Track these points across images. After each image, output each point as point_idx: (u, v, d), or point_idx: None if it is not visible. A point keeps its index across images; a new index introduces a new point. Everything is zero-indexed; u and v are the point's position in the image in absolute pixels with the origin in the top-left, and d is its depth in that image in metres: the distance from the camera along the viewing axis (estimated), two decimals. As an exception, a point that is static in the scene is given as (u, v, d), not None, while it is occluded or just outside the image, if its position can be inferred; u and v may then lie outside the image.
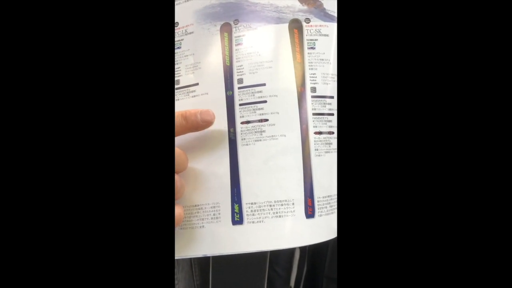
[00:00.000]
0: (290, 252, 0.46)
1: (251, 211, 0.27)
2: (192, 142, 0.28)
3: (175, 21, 0.30)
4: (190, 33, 0.30)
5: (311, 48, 0.28)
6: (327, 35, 0.29)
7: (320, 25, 0.29)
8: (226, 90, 0.28)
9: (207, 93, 0.29)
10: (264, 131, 0.27)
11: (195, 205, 0.28)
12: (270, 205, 0.27)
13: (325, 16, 0.29)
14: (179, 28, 0.30)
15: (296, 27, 0.28)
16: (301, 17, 0.28)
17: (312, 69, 0.28)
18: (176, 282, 0.42)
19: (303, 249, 0.47)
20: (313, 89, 0.28)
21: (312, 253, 0.47)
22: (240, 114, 0.28)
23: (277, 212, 0.27)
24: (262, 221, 0.27)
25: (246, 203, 0.27)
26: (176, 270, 0.43)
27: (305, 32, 0.28)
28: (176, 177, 0.26)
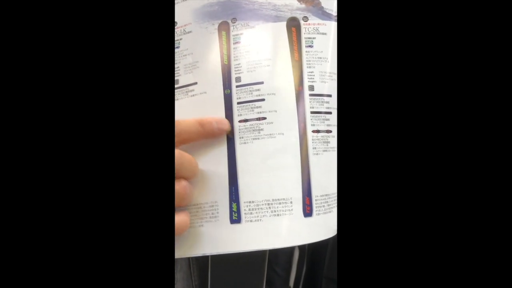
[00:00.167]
0: (289, 252, 0.46)
1: (249, 209, 0.27)
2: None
3: (175, 20, 0.30)
4: (189, 32, 0.30)
5: (309, 46, 0.28)
6: (325, 34, 0.28)
7: (318, 24, 0.28)
8: (224, 88, 0.28)
9: (206, 92, 0.29)
10: (262, 129, 0.27)
11: (194, 205, 0.28)
12: (268, 204, 0.27)
13: (323, 14, 0.29)
14: (178, 28, 0.30)
15: (294, 25, 0.28)
16: (299, 15, 0.28)
17: (310, 67, 0.28)
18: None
19: (302, 248, 0.47)
20: (311, 88, 0.28)
21: (311, 253, 0.47)
22: (238, 113, 0.28)
23: (275, 211, 0.26)
24: (260, 219, 0.26)
25: (244, 202, 0.27)
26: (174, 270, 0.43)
27: (303, 31, 0.28)
28: (185, 183, 0.26)
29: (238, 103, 0.28)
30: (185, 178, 0.26)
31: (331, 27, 0.29)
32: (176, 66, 0.30)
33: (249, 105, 0.28)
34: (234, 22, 0.29)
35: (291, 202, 0.27)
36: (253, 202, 0.27)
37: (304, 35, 0.28)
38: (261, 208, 0.27)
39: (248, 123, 0.27)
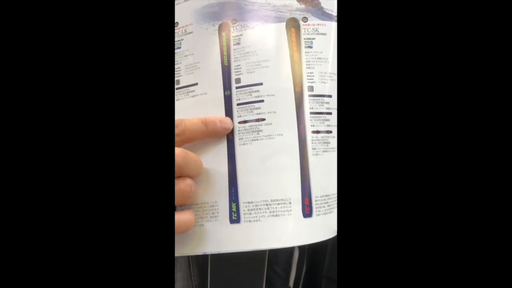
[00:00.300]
0: (289, 252, 0.46)
1: (248, 210, 0.27)
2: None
3: (176, 21, 0.30)
4: (190, 33, 0.30)
5: (309, 47, 0.28)
6: (325, 34, 0.29)
7: (318, 24, 0.29)
8: (224, 90, 0.28)
9: (206, 93, 0.29)
10: (261, 130, 0.27)
11: (195, 204, 0.28)
12: (267, 204, 0.27)
13: (323, 15, 0.29)
14: (178, 28, 0.30)
15: (293, 26, 0.28)
16: (298, 16, 0.28)
17: (309, 68, 0.28)
18: (174, 281, 0.42)
19: (302, 249, 0.47)
20: (311, 88, 0.28)
21: (311, 253, 0.47)
22: (238, 114, 0.28)
23: (273, 211, 0.27)
24: (259, 220, 0.27)
25: (244, 202, 0.27)
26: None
27: (302, 31, 0.28)
28: (190, 181, 0.26)
29: (238, 104, 0.28)
30: (190, 177, 0.26)
31: (331, 28, 0.29)
32: (177, 66, 0.30)
33: (249, 106, 0.28)
34: (234, 23, 0.29)
35: (290, 203, 0.27)
36: (252, 202, 0.27)
37: (303, 35, 0.28)
38: (260, 209, 0.27)
39: (247, 124, 0.28)
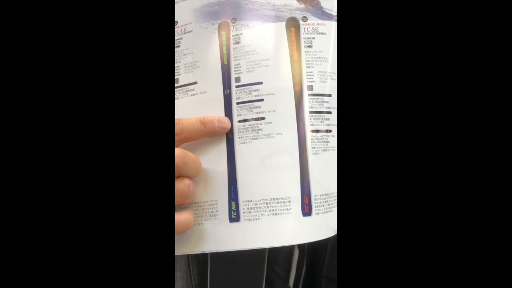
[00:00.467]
0: (289, 251, 0.46)
1: (248, 208, 0.27)
2: (191, 142, 0.28)
3: (175, 19, 0.31)
4: (189, 31, 0.30)
5: (308, 46, 0.28)
6: (325, 34, 0.29)
7: (318, 24, 0.29)
8: (224, 88, 0.28)
9: (206, 92, 0.29)
10: (261, 129, 0.27)
11: (194, 203, 0.28)
12: (266, 203, 0.27)
13: (322, 14, 0.29)
14: (178, 27, 0.30)
15: (293, 25, 0.28)
16: (298, 15, 0.29)
17: (309, 67, 0.28)
18: (174, 281, 0.42)
19: (302, 248, 0.47)
20: (310, 87, 0.28)
21: (311, 252, 0.47)
22: (238, 113, 0.28)
23: (273, 210, 0.27)
24: (258, 218, 0.27)
25: (243, 201, 0.27)
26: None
27: (302, 31, 0.28)
28: (189, 182, 0.26)
29: (238, 103, 0.28)
30: (189, 177, 0.26)
31: (331, 27, 0.29)
32: (176, 65, 0.30)
33: (248, 105, 0.28)
34: (234, 22, 0.29)
35: (289, 202, 0.27)
36: (251, 201, 0.27)
37: (303, 35, 0.28)
38: (260, 207, 0.27)
39: (247, 123, 0.28)
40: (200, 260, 0.44)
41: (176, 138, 0.27)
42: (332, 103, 0.28)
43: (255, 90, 0.28)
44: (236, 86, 0.28)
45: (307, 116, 0.28)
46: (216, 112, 0.28)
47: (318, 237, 0.27)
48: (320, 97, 0.28)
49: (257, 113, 0.28)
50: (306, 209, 0.27)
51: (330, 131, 0.28)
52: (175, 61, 0.30)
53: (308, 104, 0.28)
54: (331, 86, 0.28)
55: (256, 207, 0.27)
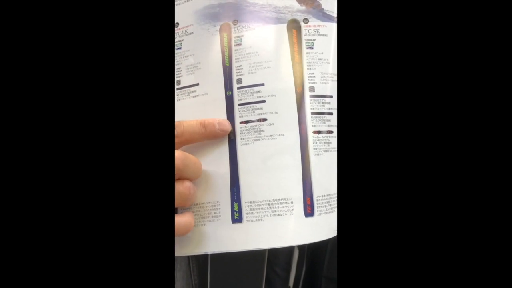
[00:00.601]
0: (289, 252, 0.46)
1: (250, 209, 0.27)
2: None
3: (176, 21, 0.31)
4: (190, 33, 0.30)
5: (310, 48, 0.28)
6: (326, 35, 0.29)
7: (319, 25, 0.29)
8: (226, 90, 0.29)
9: (207, 93, 0.29)
10: (262, 130, 0.27)
11: (197, 204, 0.28)
12: (269, 204, 0.27)
13: (323, 16, 0.29)
14: (179, 29, 0.30)
15: (294, 27, 0.29)
16: (299, 17, 0.29)
17: (310, 68, 0.28)
18: (174, 282, 0.42)
19: (302, 249, 0.47)
20: (312, 89, 0.28)
21: (311, 252, 0.47)
22: (239, 114, 0.28)
23: (275, 211, 0.27)
24: (261, 219, 0.27)
25: (245, 202, 0.27)
26: (174, 270, 0.43)
27: (303, 32, 0.29)
28: (189, 184, 0.26)
29: (239, 104, 0.28)
30: (189, 179, 0.26)
31: (332, 29, 0.29)
32: (178, 67, 0.30)
33: (250, 106, 0.28)
34: (236, 24, 0.29)
35: (291, 202, 0.27)
36: (254, 202, 0.27)
37: (304, 37, 0.28)
38: (262, 208, 0.27)
39: (249, 125, 0.28)
40: (200, 260, 0.44)
41: (177, 140, 0.27)
42: (333, 104, 0.29)
43: (256, 92, 0.28)
44: (238, 88, 0.28)
45: (308, 117, 0.28)
46: (218, 114, 0.28)
47: (320, 237, 0.28)
48: (321, 98, 0.28)
49: (259, 114, 0.28)
50: (308, 210, 0.27)
51: (332, 132, 0.28)
52: (177, 63, 0.30)
53: (309, 105, 0.28)
54: (332, 87, 0.29)
55: (259, 208, 0.27)
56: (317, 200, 0.27)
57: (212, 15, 0.29)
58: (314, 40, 0.29)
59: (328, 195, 0.28)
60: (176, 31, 0.31)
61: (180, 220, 0.25)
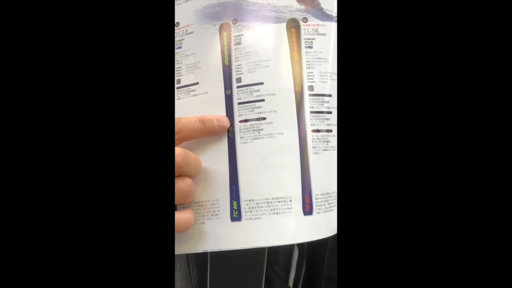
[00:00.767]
0: (288, 251, 0.46)
1: (249, 208, 0.27)
2: (193, 141, 0.28)
3: (177, 21, 0.31)
4: (190, 33, 0.30)
5: (309, 47, 0.29)
6: (325, 34, 0.29)
7: (318, 25, 0.29)
8: (225, 89, 0.29)
9: (207, 92, 0.29)
10: (262, 129, 0.28)
11: (196, 202, 0.28)
12: (268, 202, 0.27)
13: (322, 15, 0.29)
14: (179, 28, 0.31)
15: (293, 26, 0.29)
16: (298, 16, 0.29)
17: (309, 68, 0.28)
18: (174, 281, 0.42)
19: (301, 248, 0.47)
20: (311, 88, 0.28)
21: (310, 252, 0.47)
22: (239, 113, 0.28)
23: (274, 209, 0.27)
24: (260, 218, 0.27)
25: (244, 200, 0.27)
26: (174, 269, 0.43)
27: (302, 32, 0.29)
28: (189, 181, 0.26)
29: (239, 103, 0.28)
30: (189, 176, 0.26)
31: (331, 28, 0.29)
32: (178, 66, 0.30)
33: (249, 105, 0.28)
34: (235, 23, 0.29)
35: (290, 201, 0.27)
36: (253, 200, 0.27)
37: (303, 36, 0.29)
38: (261, 207, 0.27)
39: (248, 123, 0.28)
40: (200, 260, 0.44)
41: (176, 137, 0.27)
42: (332, 103, 0.29)
43: (256, 91, 0.28)
44: (237, 87, 0.28)
45: (307, 116, 0.28)
46: (217, 112, 0.28)
47: (319, 236, 0.28)
48: (320, 97, 0.28)
49: (258, 113, 0.28)
50: (307, 208, 0.27)
51: (331, 130, 0.28)
52: (177, 62, 0.30)
53: (308, 104, 0.28)
54: (331, 86, 0.29)
55: (258, 207, 0.27)
56: (316, 198, 0.27)
57: (212, 15, 0.30)
58: (313, 39, 0.29)
59: (327, 193, 0.28)
60: (177, 30, 0.31)
61: (181, 216, 0.26)
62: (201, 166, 0.28)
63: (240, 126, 0.28)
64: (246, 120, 0.28)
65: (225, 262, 0.44)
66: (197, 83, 0.29)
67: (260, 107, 0.28)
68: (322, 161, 0.28)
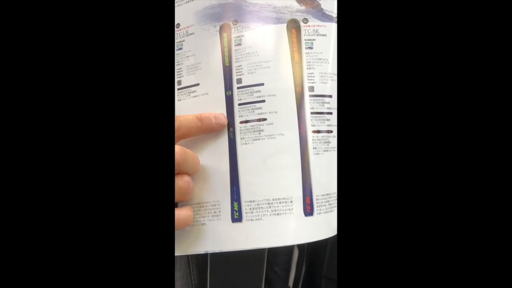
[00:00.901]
0: (288, 252, 0.46)
1: (250, 209, 0.27)
2: (193, 141, 0.28)
3: (177, 22, 0.31)
4: (191, 34, 0.30)
5: (309, 48, 0.29)
6: (325, 35, 0.29)
7: (318, 25, 0.29)
8: (226, 90, 0.29)
9: (207, 93, 0.29)
10: (262, 130, 0.28)
11: (197, 203, 0.28)
12: (268, 203, 0.27)
13: (323, 16, 0.29)
14: (180, 29, 0.31)
15: (294, 27, 0.29)
16: (299, 17, 0.29)
17: (310, 68, 0.28)
18: (174, 281, 0.42)
19: (301, 248, 0.47)
20: (311, 88, 0.28)
21: (310, 252, 0.47)
22: (239, 114, 0.28)
23: (275, 210, 0.27)
24: (261, 218, 0.27)
25: (245, 201, 0.27)
26: (174, 270, 0.43)
27: (303, 32, 0.29)
28: (188, 178, 0.26)
29: (239, 104, 0.28)
30: (188, 174, 0.26)
31: (331, 29, 0.29)
32: (178, 67, 0.30)
33: (250, 106, 0.28)
34: (235, 24, 0.29)
35: (291, 202, 0.27)
36: (253, 201, 0.27)
37: (304, 36, 0.29)
38: (262, 207, 0.27)
39: (249, 124, 0.28)
40: (200, 260, 0.45)
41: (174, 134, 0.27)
42: (332, 103, 0.29)
43: (256, 92, 0.28)
44: (238, 88, 0.28)
45: (308, 116, 0.28)
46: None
47: (320, 236, 0.28)
48: (321, 98, 0.28)
49: (258, 114, 0.28)
50: (308, 209, 0.27)
51: (331, 131, 0.28)
52: (177, 63, 0.30)
53: (309, 105, 0.28)
54: (331, 87, 0.29)
55: (258, 207, 0.27)
56: (317, 199, 0.27)
57: (212, 16, 0.30)
58: (314, 40, 0.29)
59: (327, 194, 0.28)
60: (177, 31, 0.31)
61: (180, 213, 0.26)
62: (199, 164, 0.28)
63: (240, 127, 0.28)
64: (246, 121, 0.28)
65: (225, 262, 0.44)
66: (198, 84, 0.29)
67: (260, 108, 0.28)
68: (322, 161, 0.28)
